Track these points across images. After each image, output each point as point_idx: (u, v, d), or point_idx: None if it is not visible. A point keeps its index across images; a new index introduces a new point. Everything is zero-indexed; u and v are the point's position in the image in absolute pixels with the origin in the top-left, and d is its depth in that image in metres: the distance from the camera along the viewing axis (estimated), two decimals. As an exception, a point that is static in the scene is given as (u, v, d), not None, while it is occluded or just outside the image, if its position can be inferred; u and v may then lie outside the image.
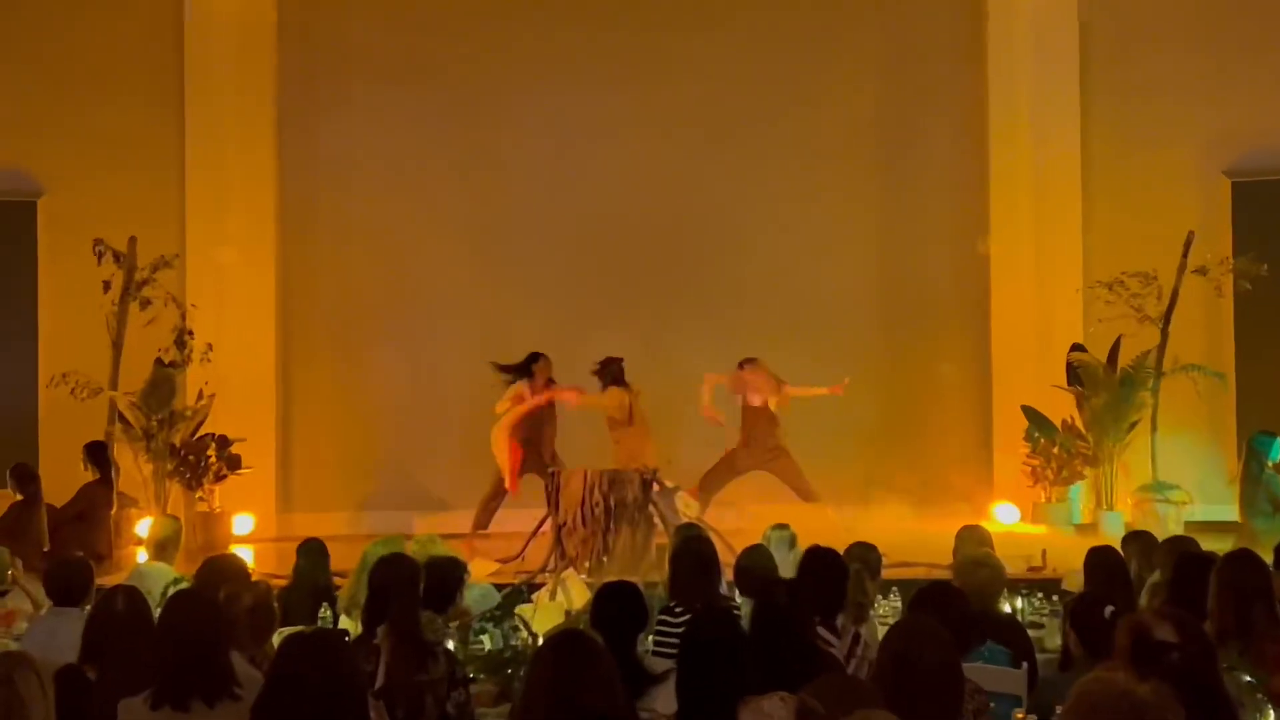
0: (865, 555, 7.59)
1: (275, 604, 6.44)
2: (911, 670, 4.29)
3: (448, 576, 6.84)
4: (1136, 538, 8.35)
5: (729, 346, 13.50)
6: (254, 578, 6.94)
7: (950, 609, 5.57)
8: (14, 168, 14.32)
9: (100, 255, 12.80)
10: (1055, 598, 7.99)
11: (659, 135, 14.83)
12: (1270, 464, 12.43)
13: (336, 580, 8.49)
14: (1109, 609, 5.60)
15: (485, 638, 6.94)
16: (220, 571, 6.84)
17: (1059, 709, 4.47)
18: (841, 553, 6.82)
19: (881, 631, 6.31)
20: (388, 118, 14.80)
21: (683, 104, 14.87)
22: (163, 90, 14.39)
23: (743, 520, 11.92)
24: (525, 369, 12.54)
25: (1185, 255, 13.63)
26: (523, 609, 7.83)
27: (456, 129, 14.81)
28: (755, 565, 7.41)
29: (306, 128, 14.75)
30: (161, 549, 9.11)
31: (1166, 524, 12.59)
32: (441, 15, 14.96)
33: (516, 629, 7.14)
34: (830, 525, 11.24)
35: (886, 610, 7.57)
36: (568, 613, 8.27)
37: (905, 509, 13.50)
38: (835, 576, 6.35)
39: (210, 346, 13.32)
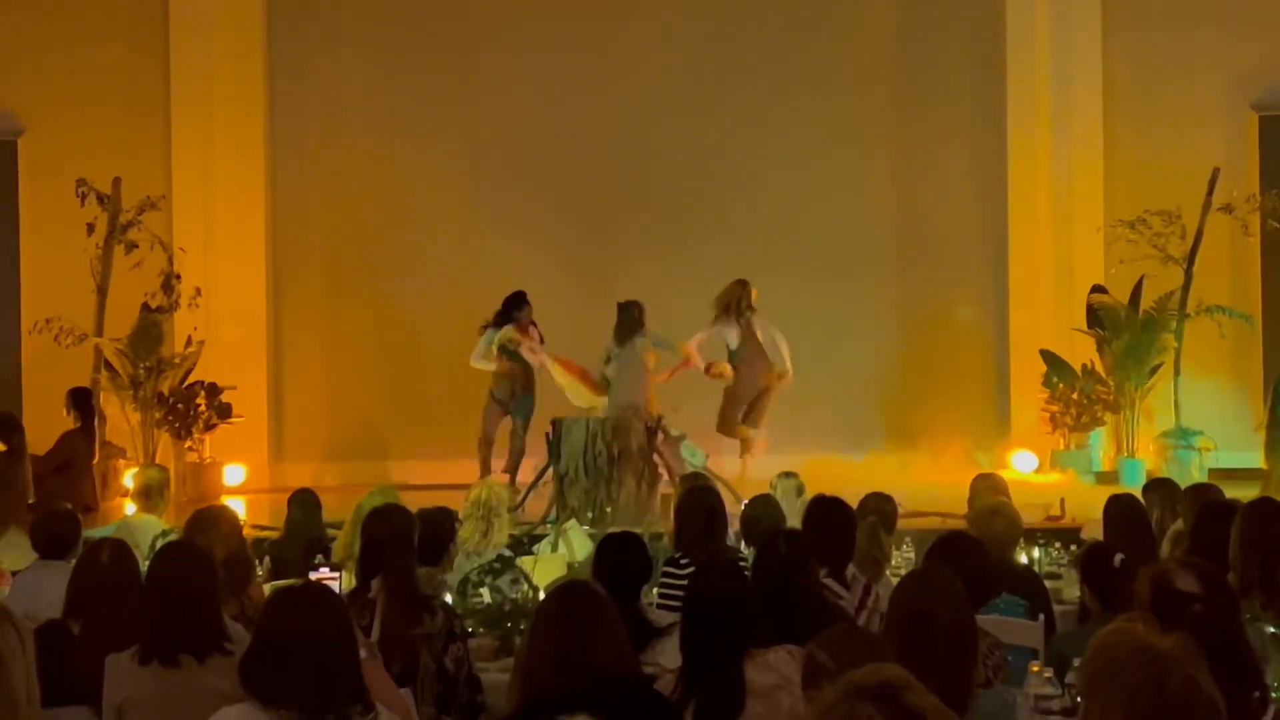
0: (881, 507, 7.48)
1: (251, 554, 6.51)
2: (925, 623, 4.13)
3: (438, 529, 6.55)
4: (1158, 486, 8.30)
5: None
6: (239, 529, 6.81)
7: (967, 560, 5.45)
8: (-8, 106, 14.05)
9: (83, 197, 12.88)
10: (1073, 548, 7.90)
11: (666, 71, 14.58)
12: (1297, 409, 12.31)
13: (330, 532, 8.36)
14: (1119, 557, 5.54)
15: (484, 591, 6.80)
16: (210, 523, 6.62)
17: (1077, 661, 4.43)
18: (856, 504, 6.78)
19: (894, 584, 6.08)
20: (379, 54, 14.59)
21: (692, 38, 14.62)
22: (147, 24, 14.13)
23: (748, 470, 11.76)
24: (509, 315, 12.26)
25: (1210, 193, 13.49)
26: (524, 561, 7.69)
27: (450, 65, 14.57)
28: (763, 515, 7.20)
29: (296, 64, 14.52)
30: (146, 497, 8.92)
31: (1189, 471, 12.51)
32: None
33: (517, 582, 6.98)
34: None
35: (899, 561, 7.47)
36: (570, 565, 8.35)
37: (919, 456, 13.46)
38: (842, 526, 6.25)
39: (199, 291, 13.28)
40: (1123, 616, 3.58)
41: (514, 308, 12.29)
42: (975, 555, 5.65)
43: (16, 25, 14.09)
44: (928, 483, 12.22)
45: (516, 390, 12.48)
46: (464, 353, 12.61)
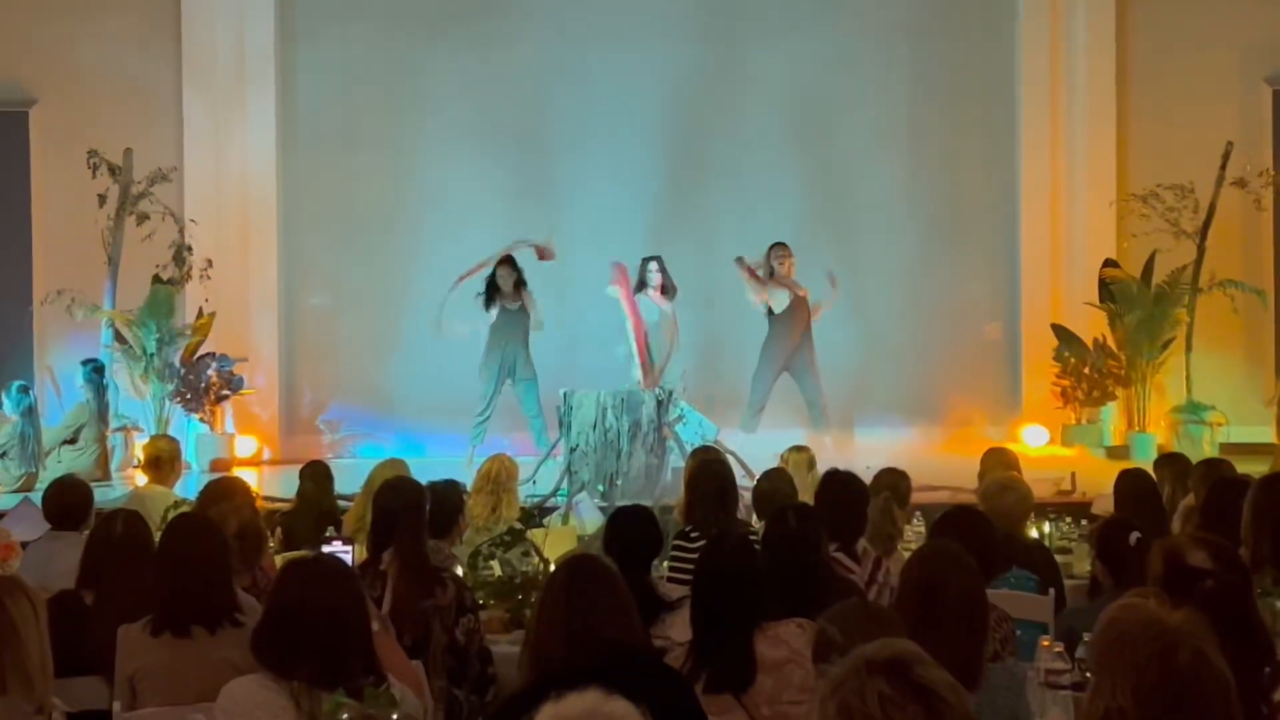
0: (895, 483, 7.43)
1: (263, 527, 6.34)
2: (935, 597, 4.16)
3: (445, 501, 6.54)
4: (1170, 460, 8.25)
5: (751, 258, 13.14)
6: (253, 501, 6.85)
7: (974, 534, 5.40)
8: (4, 77, 13.97)
9: (95, 168, 12.86)
10: (1084, 522, 7.92)
11: (682, 38, 14.45)
12: (1310, 384, 12.26)
13: (342, 503, 8.40)
14: (1134, 535, 5.49)
15: (495, 563, 6.82)
16: (223, 494, 6.68)
17: (1086, 636, 4.36)
18: (870, 480, 6.77)
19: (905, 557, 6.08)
20: (390, 24, 14.41)
21: (707, 8, 14.49)
22: (158, -5, 13.99)
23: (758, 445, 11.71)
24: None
25: (1223, 167, 13.43)
26: (534, 534, 7.70)
27: (463, 35, 14.41)
28: (775, 489, 7.15)
29: (308, 35, 14.38)
30: (155, 468, 8.91)
31: (1200, 446, 12.53)
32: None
33: (527, 554, 7.03)
34: None
35: (910, 536, 7.39)
36: (580, 538, 8.27)
37: (930, 430, 13.32)
38: (854, 500, 6.26)
39: (210, 263, 13.26)
40: (1133, 592, 3.59)
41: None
42: (981, 529, 5.62)
43: (29, -4, 14.04)
44: (939, 456, 12.24)
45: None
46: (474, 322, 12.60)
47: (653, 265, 12.58)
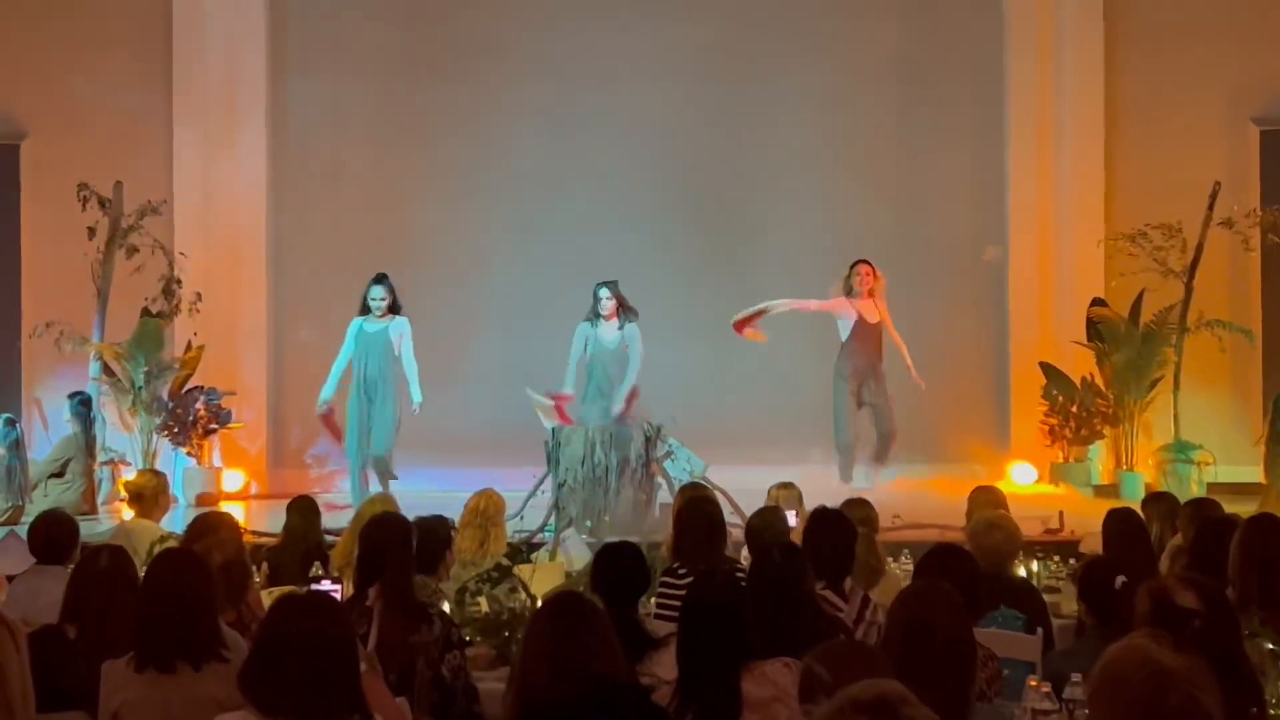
0: (867, 515, 7.42)
1: (249, 562, 6.41)
2: (922, 637, 4.14)
3: (432, 537, 6.51)
4: (1158, 499, 8.27)
5: (741, 297, 13.17)
6: (239, 536, 6.79)
7: (960, 573, 5.38)
8: (-6, 109, 13.99)
9: (85, 201, 12.84)
10: (1072, 561, 7.86)
11: (668, 80, 14.53)
12: (1297, 424, 12.25)
13: (329, 538, 8.41)
14: (1120, 579, 5.46)
15: (482, 599, 6.75)
16: (209, 529, 6.63)
17: (1074, 677, 4.44)
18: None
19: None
20: (380, 61, 14.50)
21: (695, 48, 14.55)
22: (149, 29, 14.06)
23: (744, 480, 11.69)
24: None
25: (1211, 207, 13.45)
26: (521, 570, 7.58)
27: (456, 73, 14.50)
28: (767, 526, 7.13)
29: (298, 71, 14.46)
30: (139, 502, 8.92)
31: (1188, 485, 12.56)
32: (439, -46, 14.60)
33: (514, 590, 6.93)
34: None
35: (898, 573, 7.36)
36: (568, 574, 8.14)
37: (918, 468, 13.33)
38: (842, 538, 6.17)
39: (199, 296, 13.28)
40: (1137, 632, 3.58)
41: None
42: (967, 567, 5.59)
43: (20, 30, 14.03)
44: (926, 494, 12.21)
45: None
46: (462, 359, 12.59)
47: (604, 291, 12.33)
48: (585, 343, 12.34)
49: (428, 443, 12.96)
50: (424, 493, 10.57)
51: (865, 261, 12.87)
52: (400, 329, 12.29)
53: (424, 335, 12.61)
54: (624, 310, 12.33)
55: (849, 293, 12.74)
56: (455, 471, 12.33)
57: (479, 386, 13.40)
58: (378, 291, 12.26)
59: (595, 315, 12.33)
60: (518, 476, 11.86)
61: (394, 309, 12.30)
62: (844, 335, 12.86)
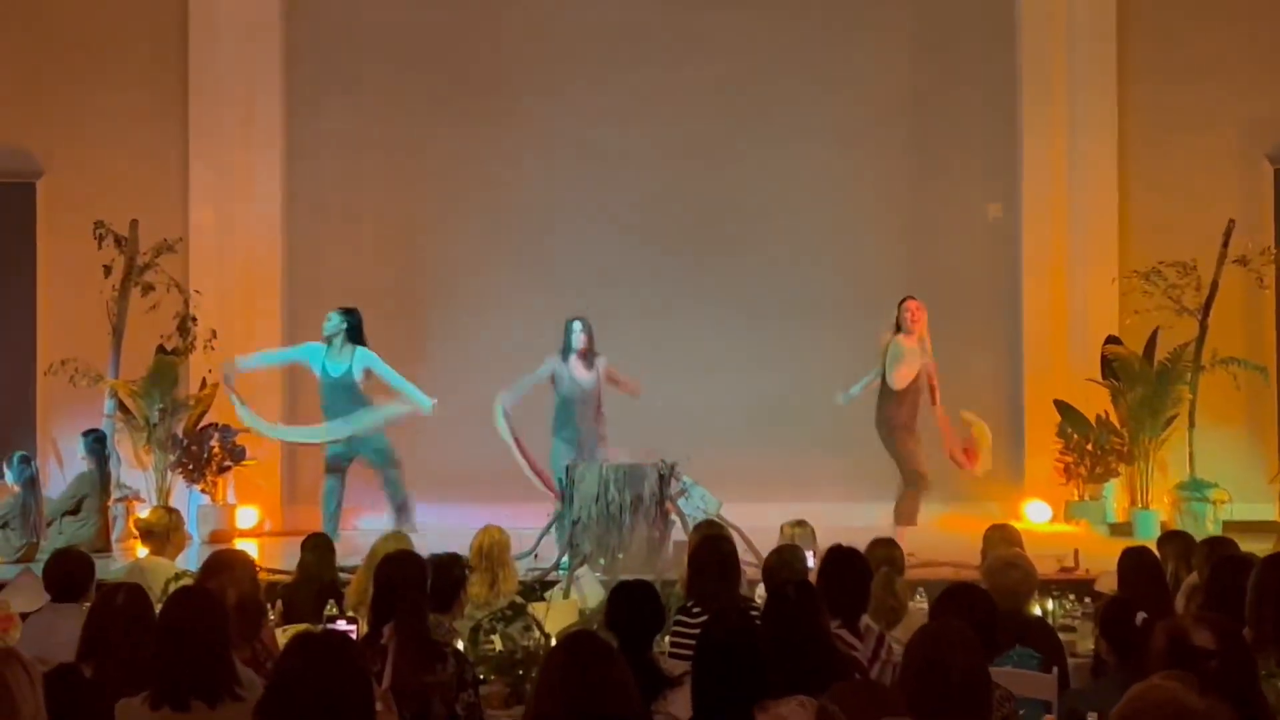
0: (891, 555, 7.46)
1: (264, 599, 6.38)
2: (938, 676, 4.16)
3: (447, 575, 6.49)
4: (1173, 538, 8.24)
5: (753, 333, 13.17)
6: (254, 574, 6.72)
7: (976, 611, 5.39)
8: (12, 147, 14.10)
9: (101, 238, 12.93)
10: (1088, 599, 7.87)
11: (682, 116, 14.56)
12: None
13: (343, 575, 8.38)
14: (1141, 615, 5.44)
15: (496, 638, 6.75)
16: (223, 566, 6.56)
17: (1091, 716, 4.50)
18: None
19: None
20: (399, 99, 14.54)
21: (708, 84, 14.60)
22: (166, 68, 14.15)
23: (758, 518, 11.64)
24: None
25: (1225, 244, 13.46)
26: (535, 607, 7.61)
27: (470, 110, 14.54)
28: (785, 565, 7.10)
29: (315, 108, 14.51)
30: (150, 538, 8.95)
31: (1204, 524, 12.52)
32: (456, -8, 14.67)
33: (528, 628, 6.95)
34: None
35: (913, 611, 7.32)
36: (582, 611, 8.22)
37: (932, 506, 13.19)
38: (857, 576, 6.18)
39: (214, 334, 13.29)
40: (1162, 673, 3.57)
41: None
42: (983, 606, 5.58)
43: (37, 68, 14.10)
44: (940, 532, 12.17)
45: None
46: (476, 396, 12.57)
47: (577, 325, 12.13)
48: (552, 377, 12.18)
49: (442, 479, 12.97)
50: (438, 528, 10.60)
51: (912, 298, 12.12)
52: (364, 361, 12.31)
53: (437, 372, 12.62)
54: (590, 350, 12.16)
55: (898, 330, 11.96)
56: (469, 508, 12.32)
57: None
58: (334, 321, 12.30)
59: (567, 350, 12.17)
60: (528, 513, 11.93)
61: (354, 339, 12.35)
62: (901, 382, 11.93)
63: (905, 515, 11.76)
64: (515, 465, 12.21)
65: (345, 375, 12.32)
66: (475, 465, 12.78)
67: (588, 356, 12.20)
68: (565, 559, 10.64)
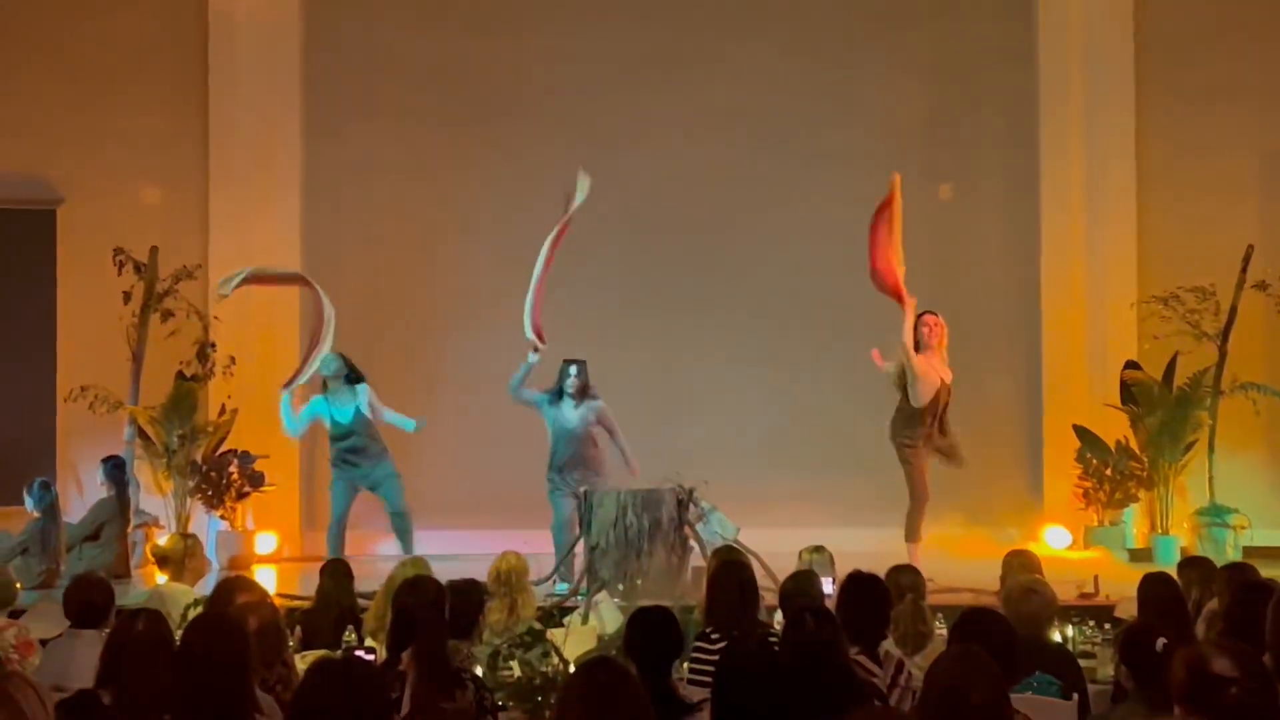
0: (914, 582, 7.41)
1: (283, 625, 6.36)
2: (958, 702, 4.12)
3: (466, 601, 6.49)
4: (1193, 564, 8.21)
5: (769, 357, 13.14)
6: (270, 599, 6.76)
7: (995, 637, 5.37)
8: (32, 175, 14.16)
9: (121, 265, 12.99)
10: (1108, 626, 7.81)
11: (696, 141, 14.62)
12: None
13: (362, 601, 8.35)
14: (1161, 641, 5.35)
15: (514, 664, 6.75)
16: (238, 591, 6.61)
17: None
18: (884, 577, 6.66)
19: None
20: (416, 123, 14.61)
21: (723, 109, 14.65)
22: (185, 96, 14.21)
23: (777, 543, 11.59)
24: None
25: (1245, 269, 13.45)
26: (554, 633, 7.62)
27: (487, 134, 14.59)
28: (801, 591, 7.08)
29: (333, 134, 14.55)
30: (167, 565, 8.99)
31: (1224, 549, 12.52)
32: (471, 16, 14.77)
33: (547, 655, 6.93)
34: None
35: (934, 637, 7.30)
36: (600, 637, 8.23)
37: (951, 532, 13.22)
38: (876, 602, 6.17)
39: (233, 360, 13.37)
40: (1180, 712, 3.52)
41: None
42: (1002, 632, 5.57)
43: (56, 95, 14.17)
44: (959, 558, 12.13)
45: None
46: (495, 419, 12.59)
47: (573, 369, 11.87)
48: (541, 410, 12.00)
49: (462, 506, 12.98)
50: (452, 555, 10.60)
51: (932, 312, 11.84)
52: (366, 394, 12.32)
53: (456, 397, 12.61)
54: (584, 393, 11.91)
55: (917, 346, 11.67)
56: (486, 533, 12.33)
57: (511, 449, 13.33)
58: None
59: (559, 392, 11.90)
60: (543, 538, 11.93)
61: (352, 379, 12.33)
62: (923, 399, 11.70)
63: (912, 532, 11.69)
64: (527, 491, 12.23)
65: (357, 414, 12.28)
66: (490, 491, 12.76)
67: (579, 398, 11.93)
68: (584, 585, 10.64)
